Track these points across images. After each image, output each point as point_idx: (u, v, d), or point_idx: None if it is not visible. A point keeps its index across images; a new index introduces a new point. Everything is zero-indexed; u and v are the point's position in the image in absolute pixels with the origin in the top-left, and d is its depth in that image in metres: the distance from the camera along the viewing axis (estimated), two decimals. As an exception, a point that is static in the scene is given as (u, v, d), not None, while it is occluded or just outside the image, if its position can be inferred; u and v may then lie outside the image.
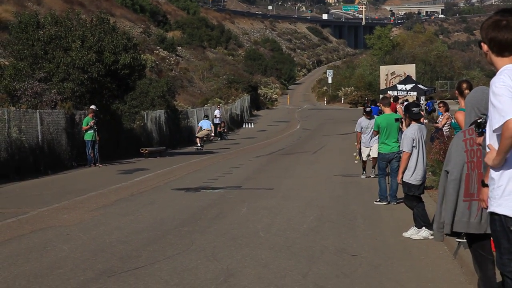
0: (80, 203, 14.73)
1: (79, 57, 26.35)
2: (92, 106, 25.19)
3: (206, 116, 40.35)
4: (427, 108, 41.03)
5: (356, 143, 19.75)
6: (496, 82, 4.61)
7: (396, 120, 14.02)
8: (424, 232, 10.37)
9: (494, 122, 4.58)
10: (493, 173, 4.76)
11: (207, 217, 12.60)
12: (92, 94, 27.27)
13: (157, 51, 71.58)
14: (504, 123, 4.49)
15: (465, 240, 6.63)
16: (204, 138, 37.36)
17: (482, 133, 5.16)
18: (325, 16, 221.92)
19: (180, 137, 40.16)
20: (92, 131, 24.60)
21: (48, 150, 23.49)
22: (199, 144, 36.16)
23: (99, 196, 15.98)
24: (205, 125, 37.43)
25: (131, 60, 28.34)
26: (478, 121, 5.30)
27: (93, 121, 24.60)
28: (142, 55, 36.86)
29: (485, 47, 4.82)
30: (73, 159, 24.96)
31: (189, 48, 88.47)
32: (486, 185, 4.89)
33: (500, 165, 4.69)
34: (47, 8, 57.58)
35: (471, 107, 5.93)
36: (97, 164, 24.67)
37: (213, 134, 39.05)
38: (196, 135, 37.40)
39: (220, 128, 45.88)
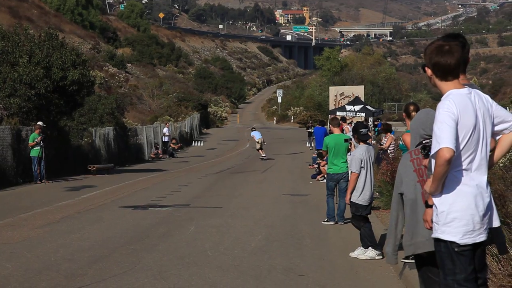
0: (25, 220, 14.48)
1: (26, 72, 26.00)
2: (39, 123, 24.85)
3: (254, 128, 40.65)
4: (379, 129, 41.51)
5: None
6: (441, 108, 4.72)
7: (345, 140, 14.08)
8: (371, 252, 10.46)
9: (432, 147, 4.69)
10: (434, 199, 4.85)
11: (154, 235, 12.51)
12: (39, 110, 26.90)
13: (107, 68, 71.13)
14: (437, 150, 4.60)
15: (410, 261, 6.70)
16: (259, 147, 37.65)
17: (427, 155, 5.24)
18: (288, 37, 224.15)
19: (129, 154, 39.85)
20: (39, 147, 24.26)
21: (-7, 166, 23.06)
22: (263, 155, 36.92)
23: (44, 213, 15.73)
24: (257, 136, 37.50)
25: (80, 76, 28.07)
26: (424, 142, 5.38)
27: (39, 137, 24.27)
28: (91, 72, 36.54)
29: (429, 71, 4.93)
30: (18, 175, 24.53)
31: (139, 65, 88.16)
32: (430, 206, 4.96)
33: (437, 192, 4.78)
34: (-6, 22, 56.79)
35: (416, 129, 6.02)
36: (43, 181, 24.32)
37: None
38: (257, 148, 37.86)
39: (173, 145, 45.86)
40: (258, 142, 37.23)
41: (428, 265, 5.95)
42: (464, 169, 4.79)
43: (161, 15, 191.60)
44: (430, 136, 5.15)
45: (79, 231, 12.94)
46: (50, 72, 27.15)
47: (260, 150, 37.20)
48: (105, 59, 75.03)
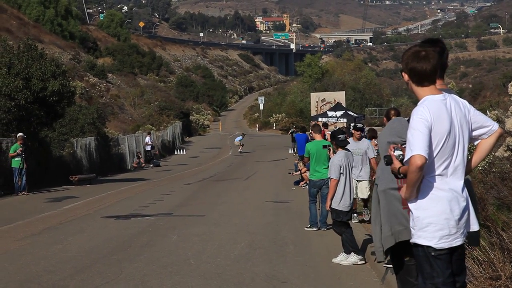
0: (6, 233, 14.39)
1: (5, 84, 25.87)
2: (20, 134, 24.74)
3: (240, 133, 54.49)
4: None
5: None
6: (415, 115, 4.76)
7: (324, 147, 14.06)
8: (353, 258, 10.49)
9: (406, 154, 4.72)
10: (410, 205, 4.88)
11: (137, 245, 12.47)
12: (19, 121, 26.76)
13: (87, 78, 70.81)
14: (410, 157, 4.63)
15: (391, 266, 6.72)
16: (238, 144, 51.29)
17: (388, 163, 5.15)
18: (292, 46, 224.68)
19: (111, 164, 39.69)
20: (20, 158, 24.15)
21: (-26, 178, 22.91)
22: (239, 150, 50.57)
23: (26, 225, 15.64)
24: (237, 139, 51.74)
25: (60, 87, 27.95)
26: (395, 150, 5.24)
27: (20, 148, 24.16)
28: (71, 82, 36.38)
29: (406, 77, 4.97)
30: (-1, 187, 24.40)
31: (119, 74, 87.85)
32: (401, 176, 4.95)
33: (412, 197, 4.82)
34: (-27, 33, 56.45)
35: (386, 137, 5.97)
36: (24, 192, 24.19)
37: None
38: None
39: (157, 152, 46.21)
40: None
41: (406, 268, 5.95)
42: (439, 175, 4.82)
43: (141, 24, 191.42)
44: (404, 140, 5.14)
45: (61, 242, 12.88)
46: (29, 83, 27.03)
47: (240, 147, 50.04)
48: (86, 69, 74.68)
